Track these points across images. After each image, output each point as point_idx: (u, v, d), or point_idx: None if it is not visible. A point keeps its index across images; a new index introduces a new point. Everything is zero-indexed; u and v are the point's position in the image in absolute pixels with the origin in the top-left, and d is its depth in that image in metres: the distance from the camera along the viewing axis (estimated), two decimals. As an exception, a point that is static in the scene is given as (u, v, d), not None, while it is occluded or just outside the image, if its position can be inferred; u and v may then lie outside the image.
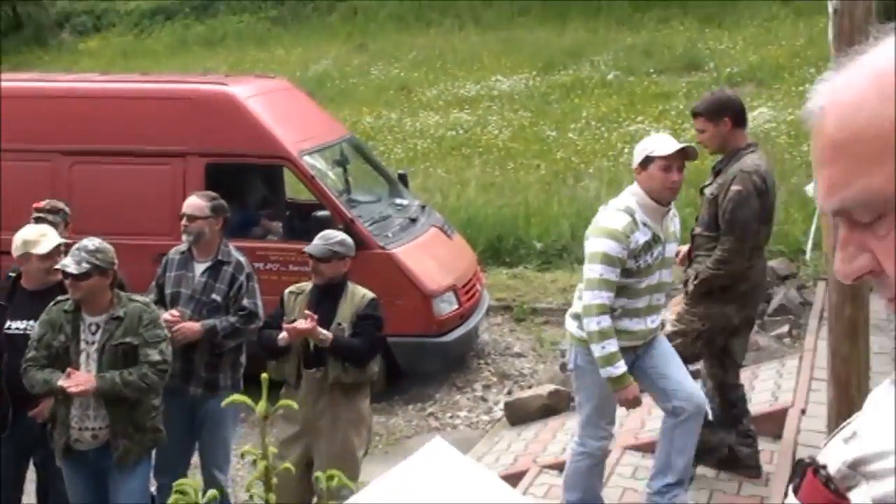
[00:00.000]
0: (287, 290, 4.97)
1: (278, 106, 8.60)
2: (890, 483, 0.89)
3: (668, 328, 4.92)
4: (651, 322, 4.42)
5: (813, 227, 8.23)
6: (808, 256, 8.68)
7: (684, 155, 4.19)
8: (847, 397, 3.70)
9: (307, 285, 4.92)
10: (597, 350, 4.20)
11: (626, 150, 13.74)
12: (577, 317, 4.42)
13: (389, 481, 1.36)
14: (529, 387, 7.56)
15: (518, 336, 9.12)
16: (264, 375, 2.49)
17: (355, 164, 9.31)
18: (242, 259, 5.34)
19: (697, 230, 4.87)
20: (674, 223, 4.46)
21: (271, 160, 8.09)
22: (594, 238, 4.25)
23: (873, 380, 3.89)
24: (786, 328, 6.89)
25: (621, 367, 4.20)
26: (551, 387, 6.82)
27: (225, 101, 8.03)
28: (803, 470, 0.98)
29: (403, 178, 9.32)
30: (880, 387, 1.02)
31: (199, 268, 5.24)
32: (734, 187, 4.52)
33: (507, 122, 16.03)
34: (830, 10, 3.00)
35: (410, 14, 23.40)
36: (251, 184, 8.63)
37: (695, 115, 4.85)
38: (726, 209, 4.56)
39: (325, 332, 4.57)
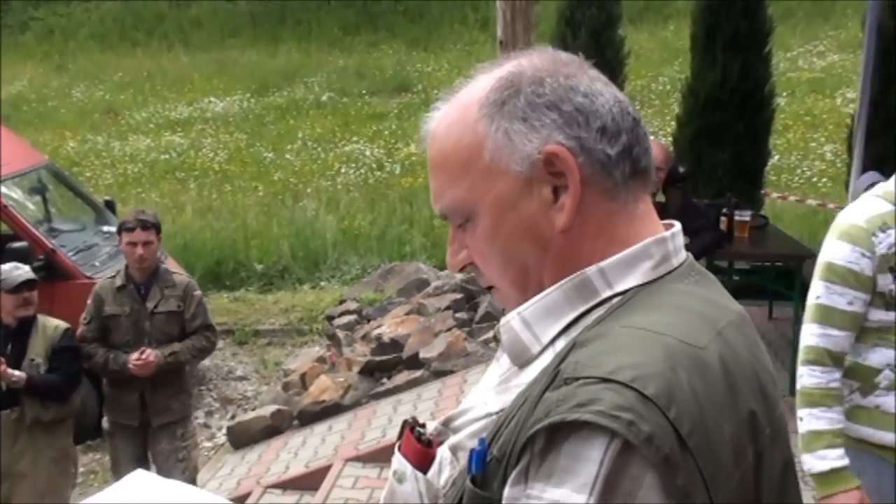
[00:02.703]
0: None
1: (-39, 132, 7.95)
2: (463, 434, 1.07)
3: None
4: None
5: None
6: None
7: None
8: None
9: None
10: (802, 419, 2.53)
11: (343, 170, 14.06)
12: None
13: None
14: (253, 409, 7.50)
15: (241, 360, 9.02)
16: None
17: (56, 192, 8.79)
18: None
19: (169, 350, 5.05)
20: None
21: (-45, 190, 7.47)
22: (826, 241, 2.58)
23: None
24: (491, 334, 7.34)
25: (832, 459, 2.47)
26: (274, 407, 6.81)
27: None
28: (403, 429, 1.15)
29: (111, 205, 8.93)
30: None
31: None
32: (197, 293, 5.01)
33: (222, 145, 15.81)
34: (498, 39, 3.32)
35: (113, 34, 22.38)
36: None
37: (145, 226, 4.84)
38: (199, 313, 4.98)
39: (16, 372, 4.33)
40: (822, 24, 18.12)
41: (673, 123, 9.21)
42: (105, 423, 5.11)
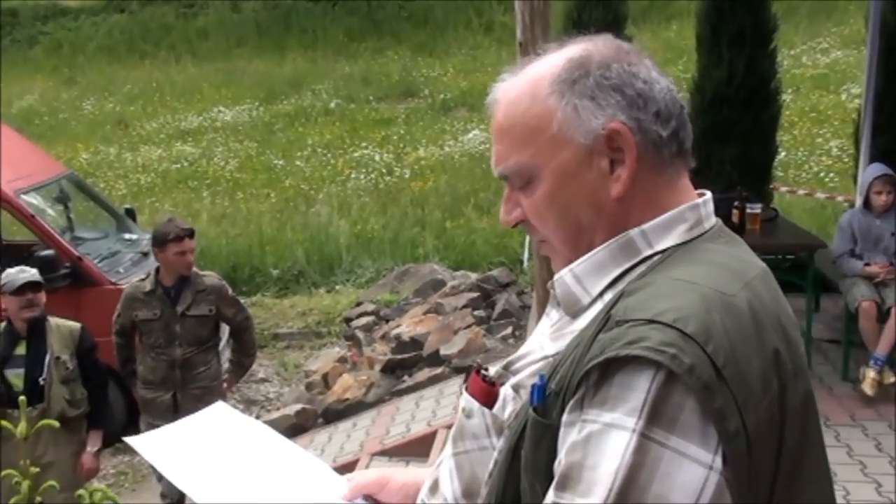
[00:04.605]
0: None
1: (-14, 144, 8.13)
2: (523, 374, 1.22)
3: None
4: None
5: (528, 240, 9.02)
6: (525, 265, 9.49)
7: None
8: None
9: None
10: None
11: (354, 175, 14.22)
12: None
13: (168, 432, 1.45)
14: (277, 409, 7.65)
15: (261, 362, 9.15)
16: (22, 398, 2.49)
17: (77, 202, 8.98)
18: None
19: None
20: None
21: (-18, 201, 7.64)
22: None
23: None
24: (509, 330, 7.50)
25: None
26: (298, 406, 6.97)
27: (-76, 142, 7.50)
28: (469, 372, 1.30)
29: (131, 213, 9.12)
30: None
31: None
32: (230, 292, 5.31)
33: (233, 153, 15.98)
34: (518, 41, 3.47)
35: (121, 46, 22.61)
36: (-40, 228, 8.10)
37: (191, 235, 5.01)
38: (239, 308, 5.34)
39: (93, 450, 4.82)
40: (824, 21, 18.24)
41: (680, 121, 9.32)
42: (141, 423, 5.27)
